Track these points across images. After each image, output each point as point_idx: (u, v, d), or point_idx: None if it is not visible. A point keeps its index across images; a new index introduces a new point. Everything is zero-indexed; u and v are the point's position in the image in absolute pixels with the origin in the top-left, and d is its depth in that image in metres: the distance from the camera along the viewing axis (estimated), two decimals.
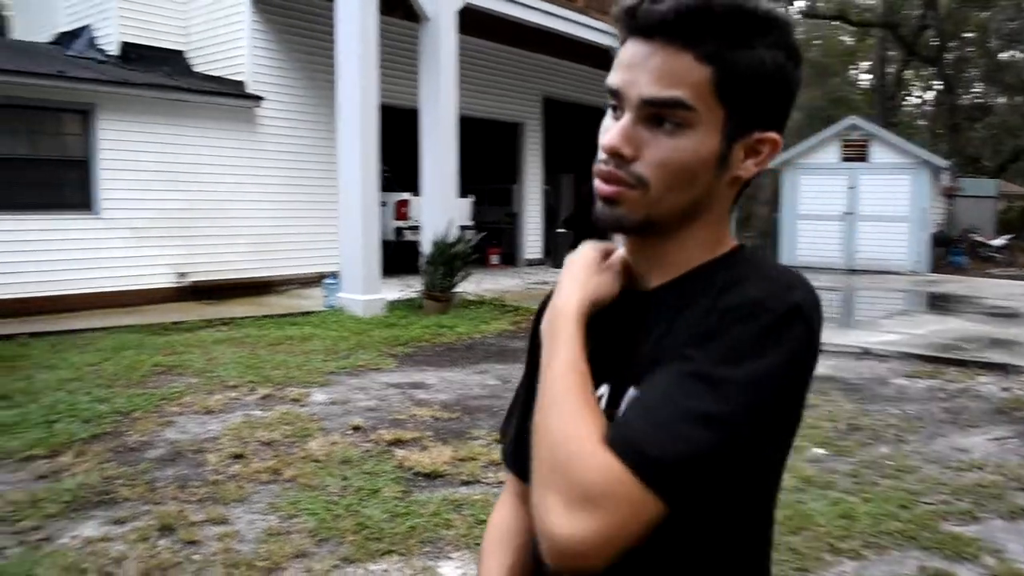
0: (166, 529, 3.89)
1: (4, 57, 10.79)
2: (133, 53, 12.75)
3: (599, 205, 0.97)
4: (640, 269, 1.04)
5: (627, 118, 0.94)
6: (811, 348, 0.89)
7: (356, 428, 5.68)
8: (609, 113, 0.98)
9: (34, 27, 14.71)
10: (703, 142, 0.93)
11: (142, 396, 6.36)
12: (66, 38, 13.25)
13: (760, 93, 0.93)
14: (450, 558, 3.67)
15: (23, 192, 10.31)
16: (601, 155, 0.96)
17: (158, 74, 12.05)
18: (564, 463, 0.83)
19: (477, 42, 15.15)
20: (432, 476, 4.72)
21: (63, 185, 10.70)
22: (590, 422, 0.85)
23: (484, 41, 15.58)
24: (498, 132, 18.24)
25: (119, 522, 3.99)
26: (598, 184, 0.97)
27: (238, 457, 5.00)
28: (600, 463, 0.81)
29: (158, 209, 11.52)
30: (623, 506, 0.80)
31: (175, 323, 9.81)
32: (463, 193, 13.39)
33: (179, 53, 13.40)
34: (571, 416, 0.86)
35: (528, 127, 18.12)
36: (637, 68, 0.93)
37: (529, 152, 18.27)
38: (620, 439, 0.83)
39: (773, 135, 0.97)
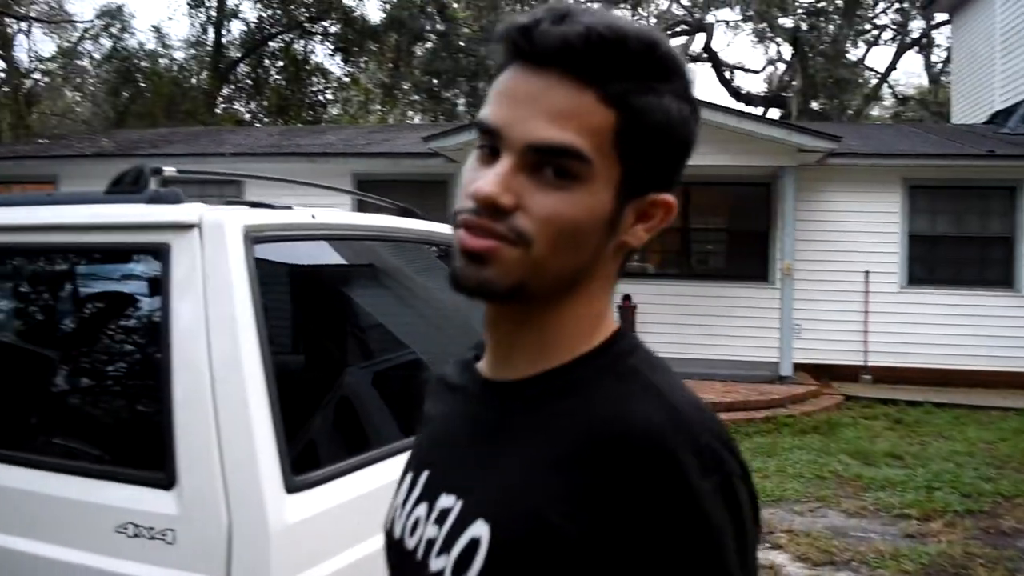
0: None
1: (936, 141, 12.04)
2: None
3: (460, 262, 0.80)
4: (498, 349, 0.88)
5: (507, 163, 0.78)
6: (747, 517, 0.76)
7: None
8: (475, 154, 0.83)
9: (971, 109, 14.99)
10: (597, 199, 0.78)
11: None
12: (1000, 117, 13.24)
13: (662, 148, 0.81)
14: None
15: (947, 268, 10.76)
16: (466, 203, 0.79)
17: None
18: None
19: None
20: None
21: (985, 262, 10.76)
22: None
23: None
24: None
25: None
26: (463, 237, 0.79)
27: None
28: None
29: None
30: None
31: None
32: None
33: None
34: None
35: None
36: (526, 104, 0.78)
37: None
38: None
39: (668, 198, 0.84)
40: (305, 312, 2.17)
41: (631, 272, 11.73)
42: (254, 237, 1.89)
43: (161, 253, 1.87)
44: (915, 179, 10.75)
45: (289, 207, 2.14)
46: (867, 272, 10.67)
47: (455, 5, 24.22)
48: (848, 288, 10.73)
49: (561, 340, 0.84)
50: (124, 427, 1.99)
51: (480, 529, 0.78)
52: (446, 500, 0.84)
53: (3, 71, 27.25)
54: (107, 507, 1.79)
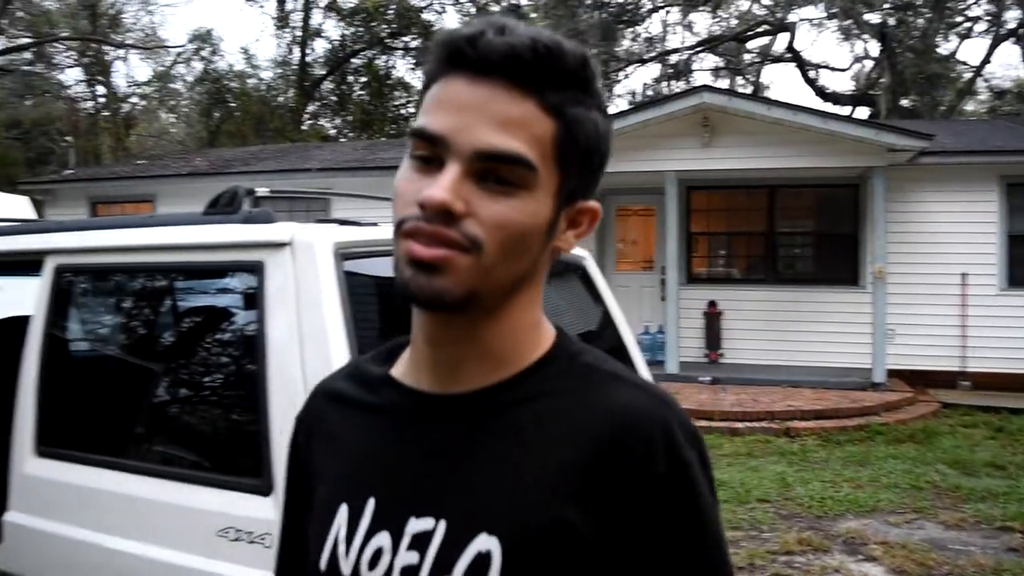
0: None
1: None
2: None
3: (410, 272, 0.79)
4: (439, 363, 0.87)
5: (455, 170, 0.78)
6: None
7: None
8: (409, 164, 0.83)
9: None
10: (540, 206, 0.81)
11: None
12: None
13: (590, 158, 0.84)
14: None
15: None
16: (411, 211, 0.79)
17: None
18: None
19: None
20: None
21: None
22: None
23: None
24: None
25: None
26: (412, 247, 0.79)
27: None
28: None
29: None
30: None
31: None
32: None
33: None
34: None
35: None
36: (471, 111, 0.78)
37: None
38: None
39: (594, 205, 0.88)
40: (393, 323, 2.22)
41: (716, 278, 11.61)
42: (343, 254, 1.97)
43: (256, 270, 1.97)
44: (1013, 176, 10.28)
45: (375, 223, 2.21)
46: (964, 274, 10.27)
47: (533, 15, 24.34)
48: (944, 291, 10.33)
49: (511, 348, 0.86)
50: (224, 436, 2.08)
51: (486, 543, 0.78)
52: (420, 523, 0.82)
53: (103, 96, 28.63)
54: (210, 512, 1.89)
